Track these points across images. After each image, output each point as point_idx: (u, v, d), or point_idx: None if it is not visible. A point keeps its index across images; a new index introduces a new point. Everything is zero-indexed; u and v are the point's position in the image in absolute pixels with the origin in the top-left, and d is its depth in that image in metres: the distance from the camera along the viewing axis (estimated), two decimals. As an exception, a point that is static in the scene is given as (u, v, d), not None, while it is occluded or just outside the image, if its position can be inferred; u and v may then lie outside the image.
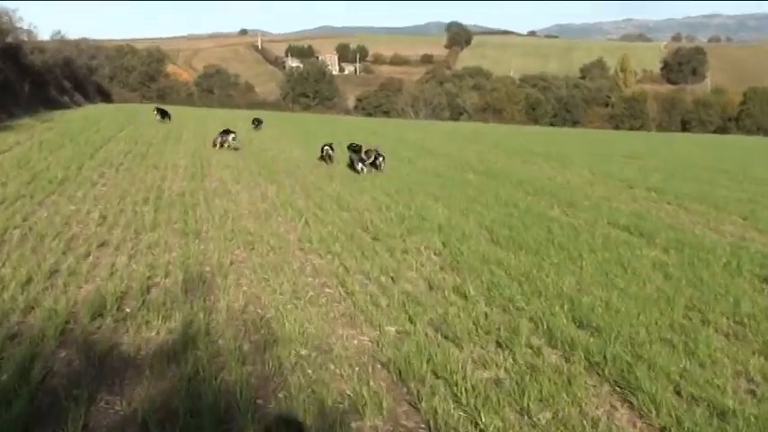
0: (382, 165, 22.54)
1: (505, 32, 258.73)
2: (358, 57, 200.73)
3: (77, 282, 9.58)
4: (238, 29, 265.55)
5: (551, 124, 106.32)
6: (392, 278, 10.55)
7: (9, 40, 40.87)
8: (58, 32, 64.02)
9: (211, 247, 11.71)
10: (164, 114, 38.92)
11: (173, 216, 14.19)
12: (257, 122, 38.94)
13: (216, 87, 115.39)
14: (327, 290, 10.01)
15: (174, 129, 34.68)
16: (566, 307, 9.29)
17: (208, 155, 24.35)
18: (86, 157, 21.33)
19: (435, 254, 12.22)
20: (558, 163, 28.20)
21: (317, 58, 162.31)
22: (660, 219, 16.71)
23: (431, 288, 10.23)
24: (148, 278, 9.89)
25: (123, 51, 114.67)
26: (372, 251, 12.11)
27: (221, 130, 27.96)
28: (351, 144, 24.55)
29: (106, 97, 68.51)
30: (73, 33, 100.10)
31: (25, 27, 45.80)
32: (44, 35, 60.77)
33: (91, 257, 10.84)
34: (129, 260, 10.79)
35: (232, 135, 27.04)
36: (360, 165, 22.08)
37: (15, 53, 40.70)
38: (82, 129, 30.19)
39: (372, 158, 22.60)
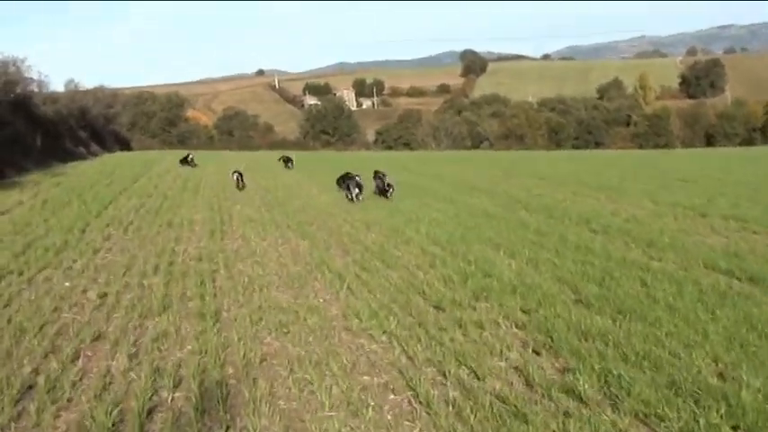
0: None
1: (519, 57, 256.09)
2: (375, 91, 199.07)
3: (57, 404, 7.01)
4: (255, 69, 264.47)
5: (574, 147, 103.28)
6: (475, 372, 7.85)
7: (18, 90, 38.74)
8: (72, 81, 61.70)
9: (235, 337, 9.09)
10: (287, 161, 38.56)
11: (187, 289, 11.67)
12: (287, 161, 38.38)
13: (236, 129, 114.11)
14: (392, 397, 7.35)
15: (192, 176, 32.37)
16: (722, 411, 6.54)
17: (228, 205, 21.91)
18: (92, 215, 18.94)
19: (518, 326, 9.50)
20: (611, 193, 25.37)
21: (335, 94, 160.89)
22: (764, 256, 13.86)
23: (529, 385, 7.52)
24: (152, 394, 7.26)
25: (143, 98, 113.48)
26: (438, 328, 9.42)
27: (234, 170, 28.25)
28: (376, 172, 24.83)
29: (125, 145, 66.72)
30: (88, 82, 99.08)
31: (35, 77, 43.80)
32: (57, 85, 58.80)
33: (80, 361, 8.30)
34: (129, 362, 8.21)
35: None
36: (356, 191, 22.74)
37: (26, 104, 38.69)
38: (93, 182, 27.96)
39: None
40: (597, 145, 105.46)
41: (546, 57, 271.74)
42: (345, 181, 23.73)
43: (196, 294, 11.28)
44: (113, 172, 32.82)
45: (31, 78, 42.65)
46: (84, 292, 11.52)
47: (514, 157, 62.70)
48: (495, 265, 13.02)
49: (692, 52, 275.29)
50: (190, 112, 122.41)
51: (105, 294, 11.29)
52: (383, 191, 23.56)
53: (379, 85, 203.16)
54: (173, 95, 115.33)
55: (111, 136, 63.33)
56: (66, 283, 11.99)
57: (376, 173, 24.64)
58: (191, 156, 39.60)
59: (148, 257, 14.08)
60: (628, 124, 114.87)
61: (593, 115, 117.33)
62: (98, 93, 66.09)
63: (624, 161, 53.36)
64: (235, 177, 27.20)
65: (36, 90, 43.82)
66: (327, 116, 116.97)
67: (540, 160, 53.82)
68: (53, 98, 48.22)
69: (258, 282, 12.17)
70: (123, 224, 17.86)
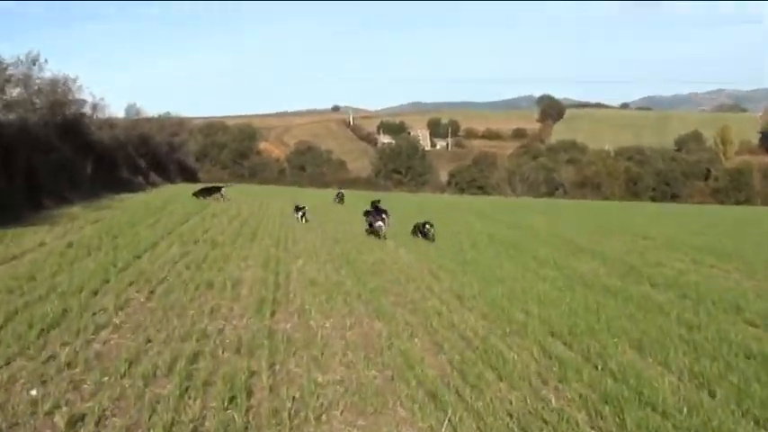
0: (431, 233, 23.13)
1: (598, 105, 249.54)
2: (450, 131, 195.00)
3: None
4: (330, 105, 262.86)
5: (652, 199, 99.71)
6: None
7: (68, 112, 35.56)
8: (134, 106, 58.73)
9: None
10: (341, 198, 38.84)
11: (207, 409, 7.58)
12: (340, 197, 38.85)
13: (308, 164, 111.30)
14: None
15: (252, 215, 28.63)
16: None
17: (288, 259, 17.84)
18: (117, 268, 14.96)
19: None
20: (737, 263, 20.71)
21: (409, 133, 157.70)
22: None
23: None
24: None
25: (214, 128, 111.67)
26: None
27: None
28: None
29: (191, 176, 63.62)
30: (152, 109, 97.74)
31: (89, 99, 40.62)
32: (117, 110, 55.67)
33: None
34: None
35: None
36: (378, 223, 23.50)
37: (76, 128, 35.43)
38: (137, 219, 24.34)
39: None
40: (673, 197, 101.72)
41: (624, 105, 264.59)
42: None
43: (221, 423, 7.17)
44: (165, 207, 29.26)
45: (84, 100, 39.75)
46: (56, 408, 7.52)
47: (597, 207, 58.70)
48: (650, 383, 8.73)
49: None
50: (262, 145, 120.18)
51: (80, 420, 7.26)
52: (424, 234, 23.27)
53: (453, 126, 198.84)
54: (245, 126, 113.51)
55: (176, 166, 60.40)
56: (33, 392, 7.98)
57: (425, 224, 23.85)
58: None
59: (168, 342, 10.03)
60: (706, 178, 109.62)
61: (672, 167, 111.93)
62: (163, 120, 63.23)
63: (717, 218, 48.26)
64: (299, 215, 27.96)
65: (89, 113, 40.69)
66: (401, 155, 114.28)
67: (629, 213, 49.35)
68: (111, 123, 45.09)
69: (315, 396, 8.08)
70: (151, 283, 13.87)
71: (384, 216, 24.45)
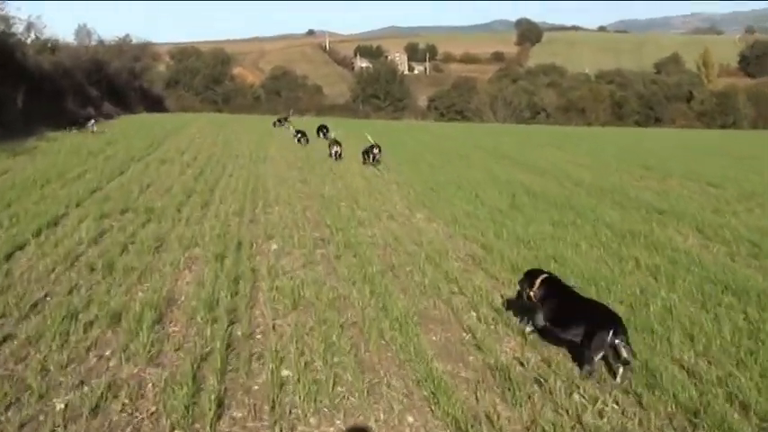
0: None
1: (574, 28, 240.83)
2: (427, 56, 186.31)
3: None
4: (305, 30, 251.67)
5: (637, 124, 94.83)
6: None
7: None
8: (83, 28, 50.32)
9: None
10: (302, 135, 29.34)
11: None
12: (322, 129, 31.72)
13: (283, 89, 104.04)
14: None
15: (214, 160, 22.15)
16: None
17: (254, 242, 11.47)
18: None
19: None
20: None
21: (387, 57, 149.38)
22: None
23: None
24: None
25: (186, 53, 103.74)
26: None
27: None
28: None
29: (156, 105, 56.29)
30: (109, 33, 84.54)
31: (22, 16, 32.95)
32: (66, 35, 47.41)
33: None
34: None
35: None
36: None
37: (3, 52, 28.18)
38: (59, 169, 17.69)
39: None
40: (657, 121, 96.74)
41: (601, 29, 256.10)
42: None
43: None
44: (104, 150, 22.45)
45: (13, 17, 32.49)
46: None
47: (588, 133, 54.83)
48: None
49: (749, 30, 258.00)
50: (236, 71, 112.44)
51: None
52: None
53: (431, 50, 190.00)
54: (218, 52, 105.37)
55: (138, 94, 52.96)
56: None
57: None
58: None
59: None
60: (688, 101, 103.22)
61: (654, 90, 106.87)
62: (123, 46, 55.20)
63: (726, 143, 42.63)
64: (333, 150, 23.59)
65: (21, 33, 33.28)
66: (380, 80, 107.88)
67: (627, 139, 44.57)
68: (53, 46, 37.60)
69: None
70: (10, 316, 7.57)
71: (376, 151, 22.38)
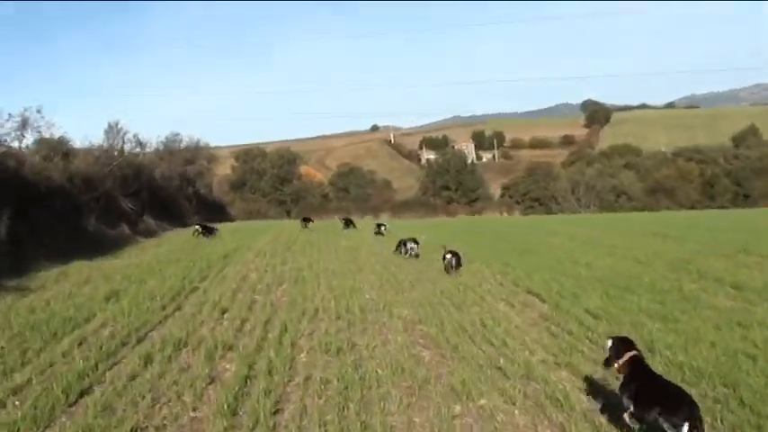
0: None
1: (643, 107, 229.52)
2: (495, 143, 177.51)
3: None
4: (369, 126, 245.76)
5: (731, 203, 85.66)
6: None
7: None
8: (116, 126, 37.48)
9: None
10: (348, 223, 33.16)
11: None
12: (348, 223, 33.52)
13: (352, 186, 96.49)
14: None
15: (279, 323, 12.99)
16: None
17: None
18: None
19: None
20: None
21: (453, 147, 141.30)
22: None
23: None
24: None
25: (252, 154, 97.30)
26: None
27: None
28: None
29: (216, 213, 47.94)
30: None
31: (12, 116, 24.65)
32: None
33: None
34: None
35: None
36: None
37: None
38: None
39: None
40: (745, 198, 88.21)
41: (670, 105, 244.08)
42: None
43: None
44: (109, 299, 13.70)
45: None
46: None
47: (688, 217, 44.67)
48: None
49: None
50: (303, 169, 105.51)
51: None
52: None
53: (498, 137, 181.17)
54: (284, 151, 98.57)
55: (192, 203, 44.63)
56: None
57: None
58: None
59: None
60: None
61: (741, 166, 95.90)
62: (170, 147, 46.45)
63: None
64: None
65: (16, 135, 24.78)
66: (450, 170, 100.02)
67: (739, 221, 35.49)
68: (68, 150, 28.55)
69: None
70: None
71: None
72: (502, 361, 10.23)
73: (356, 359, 10.33)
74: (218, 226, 33.19)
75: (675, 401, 7.07)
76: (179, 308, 14.19)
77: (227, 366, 10.04)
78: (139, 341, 11.39)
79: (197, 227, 31.26)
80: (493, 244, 27.21)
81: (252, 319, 13.13)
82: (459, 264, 18.88)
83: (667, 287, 15.63)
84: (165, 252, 24.58)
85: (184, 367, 9.93)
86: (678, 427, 6.78)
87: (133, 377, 9.39)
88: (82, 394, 8.72)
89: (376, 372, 9.68)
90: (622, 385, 7.79)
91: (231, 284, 16.89)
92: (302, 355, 10.63)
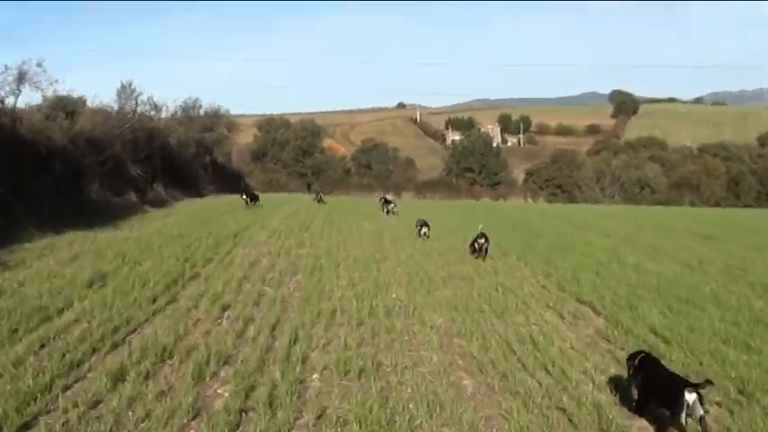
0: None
1: (671, 100, 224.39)
2: (521, 127, 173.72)
3: None
4: (395, 103, 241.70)
5: (756, 203, 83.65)
6: None
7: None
8: (129, 87, 34.36)
9: None
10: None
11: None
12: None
13: (374, 162, 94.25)
14: None
15: (291, 330, 10.83)
16: None
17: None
18: None
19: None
20: None
21: (479, 129, 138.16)
22: None
23: None
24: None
25: (275, 124, 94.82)
26: None
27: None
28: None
29: (233, 183, 45.61)
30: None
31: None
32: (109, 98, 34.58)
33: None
34: None
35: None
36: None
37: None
38: None
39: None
40: None
41: (698, 100, 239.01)
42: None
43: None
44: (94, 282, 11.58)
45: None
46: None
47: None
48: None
49: None
50: (326, 143, 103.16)
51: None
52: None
53: (525, 122, 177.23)
54: (308, 123, 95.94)
55: (209, 172, 42.36)
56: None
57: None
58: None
59: None
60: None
61: (766, 165, 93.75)
62: (189, 113, 43.81)
63: None
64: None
65: (12, 90, 22.38)
66: (474, 152, 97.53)
67: None
68: (73, 110, 26.21)
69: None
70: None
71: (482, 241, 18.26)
72: (565, 399, 8.03)
73: (383, 387, 8.12)
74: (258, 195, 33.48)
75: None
76: (173, 300, 11.92)
77: (219, 390, 7.83)
78: (114, 347, 9.13)
79: (243, 196, 31.92)
80: (524, 236, 24.85)
81: (257, 319, 10.88)
82: (487, 250, 18.46)
83: (734, 303, 13.42)
84: (172, 224, 22.39)
85: (164, 389, 7.70)
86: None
87: (94, 404, 7.19)
88: (19, 430, 6.55)
89: (408, 408, 7.48)
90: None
91: (238, 272, 14.59)
92: (314, 377, 8.42)
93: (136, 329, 10.06)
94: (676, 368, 8.87)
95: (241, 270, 14.90)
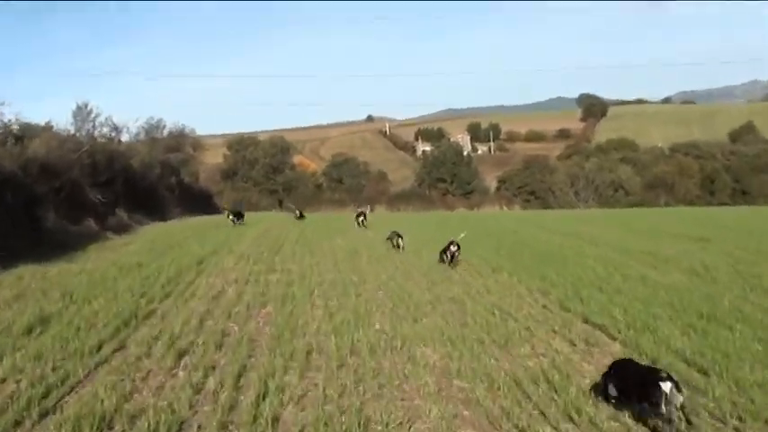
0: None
1: (639, 101, 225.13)
2: (491, 135, 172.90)
3: None
4: (364, 116, 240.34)
5: (731, 200, 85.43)
6: None
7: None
8: (85, 108, 32.35)
9: None
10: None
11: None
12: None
13: (345, 176, 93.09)
14: None
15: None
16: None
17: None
18: None
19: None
20: None
21: (449, 139, 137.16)
22: None
23: None
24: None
25: (244, 143, 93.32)
26: None
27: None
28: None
29: (201, 205, 43.65)
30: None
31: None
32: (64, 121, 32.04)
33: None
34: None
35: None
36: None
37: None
38: None
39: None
40: (743, 194, 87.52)
41: (666, 100, 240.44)
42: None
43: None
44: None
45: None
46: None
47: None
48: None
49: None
50: (296, 159, 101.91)
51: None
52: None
53: (494, 129, 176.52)
54: (277, 140, 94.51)
55: (176, 194, 40.38)
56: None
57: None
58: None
59: None
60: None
61: (739, 162, 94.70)
62: (153, 134, 41.69)
63: None
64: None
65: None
66: (446, 162, 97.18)
67: None
68: (22, 134, 24.16)
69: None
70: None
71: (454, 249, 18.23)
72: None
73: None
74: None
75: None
76: (121, 346, 10.13)
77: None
78: (43, 415, 7.37)
79: (230, 216, 32.42)
80: (507, 247, 23.29)
81: (219, 367, 9.15)
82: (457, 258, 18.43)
83: (761, 317, 11.84)
84: (132, 252, 20.57)
85: None
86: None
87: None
88: None
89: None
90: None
91: (200, 306, 12.84)
92: (288, 447, 6.73)
93: (73, 389, 8.28)
94: (725, 407, 7.32)
95: (204, 304, 13.14)
